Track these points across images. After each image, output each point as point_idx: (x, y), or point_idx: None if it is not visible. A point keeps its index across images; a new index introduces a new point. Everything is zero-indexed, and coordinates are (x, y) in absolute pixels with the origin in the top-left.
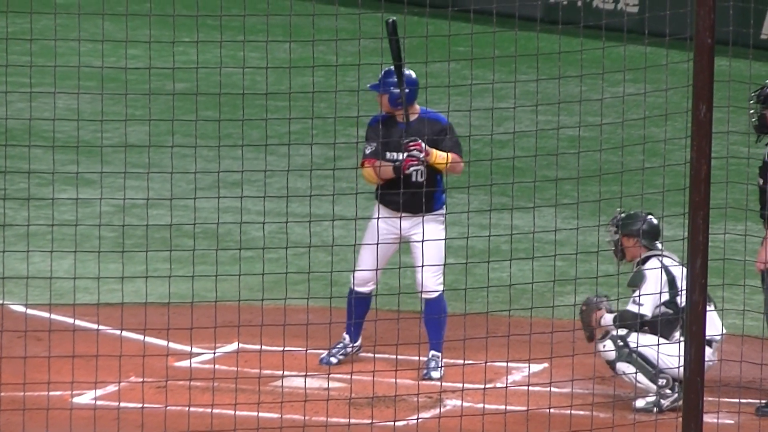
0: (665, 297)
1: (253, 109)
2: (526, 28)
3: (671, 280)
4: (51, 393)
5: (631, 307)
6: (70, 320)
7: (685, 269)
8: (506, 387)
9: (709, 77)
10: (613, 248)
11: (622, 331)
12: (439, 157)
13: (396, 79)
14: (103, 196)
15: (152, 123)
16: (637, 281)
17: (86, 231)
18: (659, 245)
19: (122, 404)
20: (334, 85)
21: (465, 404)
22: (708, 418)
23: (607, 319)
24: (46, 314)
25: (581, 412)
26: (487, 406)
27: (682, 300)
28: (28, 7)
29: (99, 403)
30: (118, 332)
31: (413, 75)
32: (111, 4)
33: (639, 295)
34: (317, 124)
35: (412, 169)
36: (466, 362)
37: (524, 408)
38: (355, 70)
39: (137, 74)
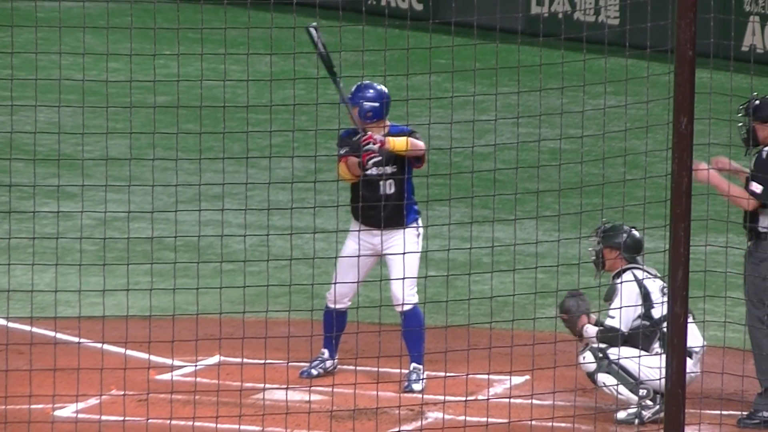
0: (640, 310)
1: (234, 122)
2: (507, 40)
3: (645, 294)
4: (32, 406)
5: (607, 322)
6: (52, 333)
7: (661, 282)
8: (488, 399)
9: (690, 89)
10: (594, 258)
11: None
12: (397, 142)
13: (368, 93)
14: (85, 209)
15: (133, 136)
16: (610, 295)
17: (67, 244)
18: (640, 259)
19: (104, 417)
20: (315, 98)
21: (446, 417)
22: (689, 430)
23: (590, 331)
24: (27, 327)
25: (563, 424)
26: (468, 418)
27: (658, 312)
28: (9, 20)
29: (80, 416)
30: (99, 345)
31: (384, 89)
32: (92, 17)
33: (612, 309)
34: (298, 137)
35: (371, 162)
36: (448, 374)
37: (506, 420)
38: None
39: (118, 87)
